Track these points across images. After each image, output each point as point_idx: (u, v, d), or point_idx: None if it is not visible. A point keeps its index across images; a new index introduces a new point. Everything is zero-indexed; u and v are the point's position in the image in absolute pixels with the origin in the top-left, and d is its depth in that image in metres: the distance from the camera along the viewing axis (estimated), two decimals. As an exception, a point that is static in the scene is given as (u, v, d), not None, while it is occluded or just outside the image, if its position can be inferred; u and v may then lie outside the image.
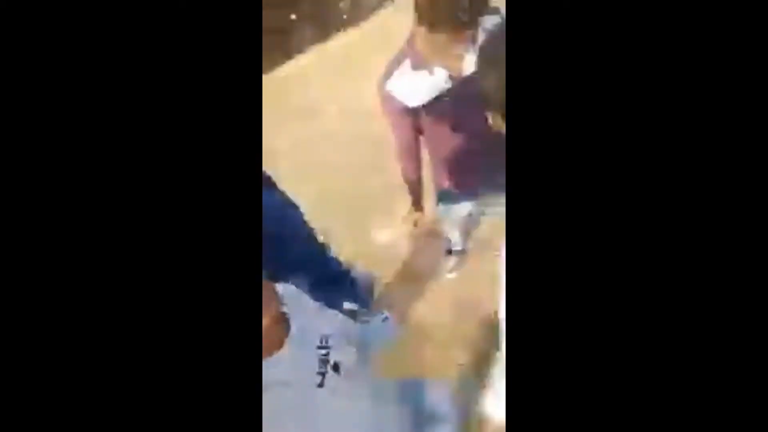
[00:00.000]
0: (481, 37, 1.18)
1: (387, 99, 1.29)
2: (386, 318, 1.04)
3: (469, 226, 1.91)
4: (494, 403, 1.10)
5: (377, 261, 2.13)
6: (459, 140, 1.39)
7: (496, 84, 0.86)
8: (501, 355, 1.04)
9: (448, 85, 1.25)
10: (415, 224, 1.70)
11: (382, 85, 1.28)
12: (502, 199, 1.40)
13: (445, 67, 1.22)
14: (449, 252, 2.09)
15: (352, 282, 1.69)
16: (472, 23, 1.10)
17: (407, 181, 1.57)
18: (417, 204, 1.63)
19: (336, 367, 0.75)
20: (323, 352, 0.75)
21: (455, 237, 1.94)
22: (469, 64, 1.22)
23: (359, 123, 2.64)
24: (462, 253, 2.10)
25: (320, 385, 0.72)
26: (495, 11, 1.24)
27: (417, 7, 1.09)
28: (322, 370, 0.73)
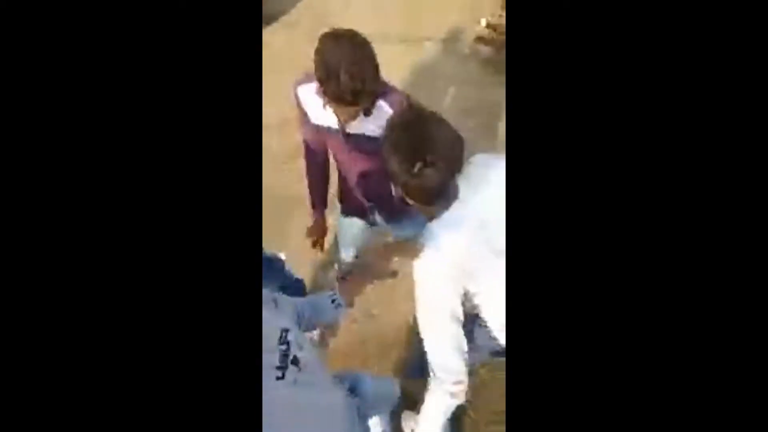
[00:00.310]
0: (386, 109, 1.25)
1: (297, 101, 1.36)
2: (338, 304, 1.12)
3: (360, 246, 1.89)
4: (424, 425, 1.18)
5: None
6: (360, 163, 1.44)
7: (399, 167, 0.97)
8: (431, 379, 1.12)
9: (336, 126, 1.32)
10: (315, 244, 1.72)
11: (295, 87, 1.35)
12: (400, 227, 1.38)
13: (337, 116, 1.28)
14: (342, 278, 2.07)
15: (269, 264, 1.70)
16: (364, 101, 1.16)
17: (308, 184, 1.60)
18: (317, 214, 1.65)
19: (295, 361, 0.82)
20: (284, 347, 0.81)
21: (347, 254, 1.93)
22: (356, 126, 1.29)
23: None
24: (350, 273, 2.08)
25: (281, 378, 0.78)
26: (397, 92, 1.29)
27: (315, 73, 1.13)
28: (283, 364, 0.80)
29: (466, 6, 3.56)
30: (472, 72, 3.23)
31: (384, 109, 1.27)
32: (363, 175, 1.48)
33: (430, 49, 3.39)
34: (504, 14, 3.18)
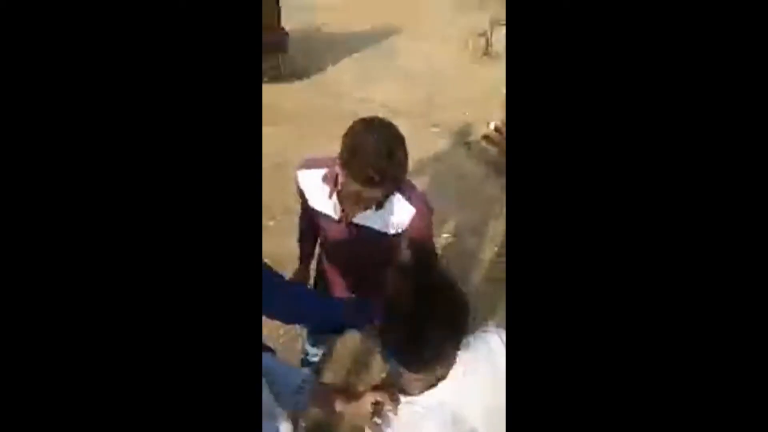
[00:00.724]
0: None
1: (297, 185, 1.36)
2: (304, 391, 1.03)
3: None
4: None
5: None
6: (358, 254, 1.39)
7: (397, 338, 0.83)
8: None
9: (336, 216, 1.29)
10: None
11: (296, 170, 1.34)
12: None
13: (342, 206, 1.25)
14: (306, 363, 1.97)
15: None
16: (383, 185, 1.11)
17: (300, 248, 1.60)
18: (303, 267, 1.63)
19: None
20: None
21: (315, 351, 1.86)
22: (362, 218, 1.26)
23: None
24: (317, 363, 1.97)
25: None
26: (411, 187, 1.28)
27: (340, 154, 1.12)
28: None
29: (478, 103, 3.73)
30: (475, 168, 3.30)
31: (400, 203, 1.24)
32: (357, 268, 1.42)
33: (439, 137, 3.50)
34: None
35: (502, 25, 4.94)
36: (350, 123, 1.13)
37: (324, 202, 1.29)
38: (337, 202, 1.26)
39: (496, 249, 2.63)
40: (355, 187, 1.12)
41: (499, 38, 5.02)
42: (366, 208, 1.22)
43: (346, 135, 1.11)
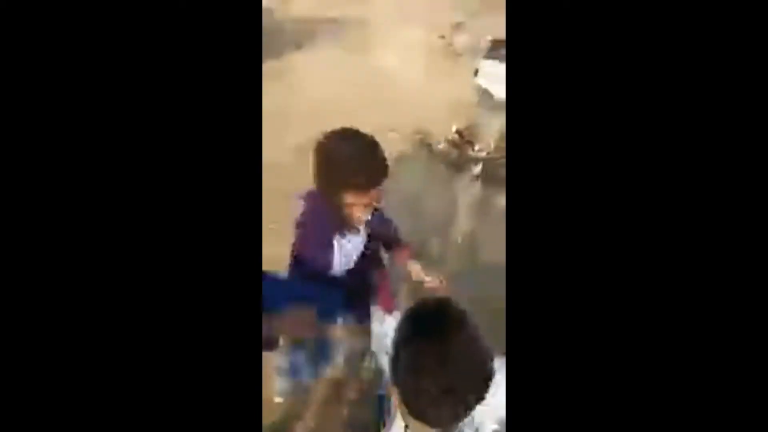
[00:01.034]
0: None
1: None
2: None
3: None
4: None
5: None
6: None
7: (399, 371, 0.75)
8: None
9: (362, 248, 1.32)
10: None
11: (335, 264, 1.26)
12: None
13: (353, 230, 1.25)
14: None
15: None
16: (370, 187, 1.11)
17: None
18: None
19: None
20: None
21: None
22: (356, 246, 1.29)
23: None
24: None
25: None
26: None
27: (316, 170, 1.11)
28: None
29: (442, 109, 3.80)
30: (438, 170, 3.37)
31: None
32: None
33: (403, 141, 3.53)
34: (470, 125, 3.44)
35: (461, 24, 4.95)
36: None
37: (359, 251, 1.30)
38: (357, 235, 1.27)
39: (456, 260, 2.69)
40: (348, 199, 1.12)
41: (460, 40, 5.06)
42: (368, 208, 1.19)
43: (317, 150, 1.10)
